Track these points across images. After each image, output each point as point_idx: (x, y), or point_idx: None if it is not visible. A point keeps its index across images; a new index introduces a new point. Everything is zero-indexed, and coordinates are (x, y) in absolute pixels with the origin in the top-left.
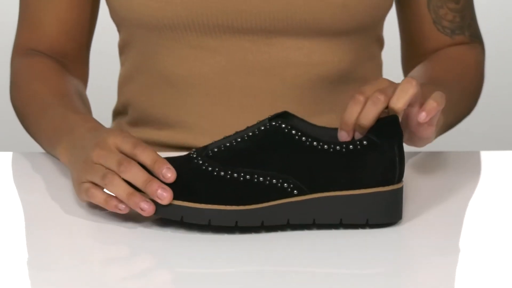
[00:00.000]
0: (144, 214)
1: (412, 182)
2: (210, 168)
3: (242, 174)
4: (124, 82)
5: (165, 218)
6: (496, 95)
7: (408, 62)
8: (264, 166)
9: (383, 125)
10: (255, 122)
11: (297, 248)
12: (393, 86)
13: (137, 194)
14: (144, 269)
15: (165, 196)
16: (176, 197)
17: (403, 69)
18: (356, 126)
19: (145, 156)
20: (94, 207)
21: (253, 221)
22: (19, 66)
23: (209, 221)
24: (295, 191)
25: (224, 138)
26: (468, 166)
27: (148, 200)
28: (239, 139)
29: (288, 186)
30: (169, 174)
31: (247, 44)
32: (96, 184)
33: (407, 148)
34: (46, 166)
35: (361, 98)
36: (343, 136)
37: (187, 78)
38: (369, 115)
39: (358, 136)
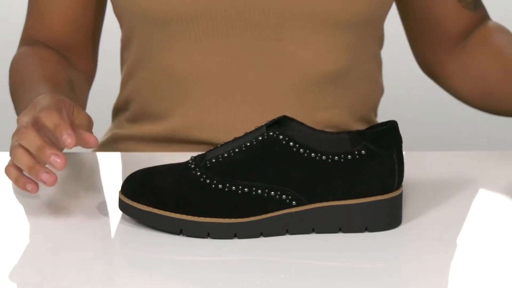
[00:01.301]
0: (46, 185)
1: (412, 182)
2: (208, 181)
3: (240, 187)
4: (127, 78)
5: (163, 230)
6: None
7: (431, 49)
8: (262, 179)
9: (382, 132)
10: (257, 117)
11: (297, 241)
12: None
13: (38, 165)
14: (141, 269)
15: (58, 162)
16: (174, 209)
17: (425, 62)
18: None
19: (48, 119)
20: (95, 205)
21: (252, 233)
22: (20, 53)
23: (208, 234)
24: (293, 202)
25: (222, 145)
26: (468, 166)
27: (49, 171)
28: (237, 150)
29: (287, 198)
30: (69, 140)
31: (254, 39)
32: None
33: (407, 149)
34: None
35: None
36: None
37: (192, 73)
38: None
39: None
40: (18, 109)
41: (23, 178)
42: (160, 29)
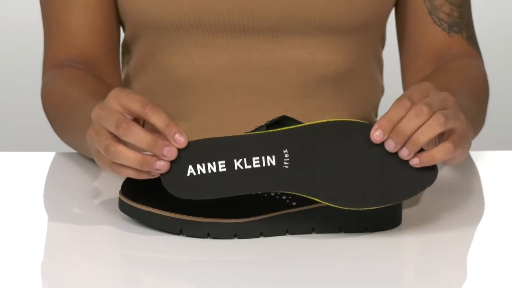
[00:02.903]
0: (166, 159)
1: None
2: None
3: None
4: (127, 81)
5: (163, 230)
6: (496, 95)
7: (407, 66)
8: None
9: None
10: (259, 120)
11: (297, 241)
12: (439, 97)
13: (148, 157)
14: (141, 269)
15: (172, 151)
16: (174, 209)
17: (402, 74)
18: (393, 134)
19: (156, 117)
20: (95, 205)
21: (252, 233)
22: (50, 76)
23: (208, 234)
24: (293, 202)
25: None
26: (468, 166)
27: (169, 143)
28: None
29: (287, 198)
30: (182, 138)
31: (253, 43)
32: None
33: None
34: (51, 167)
35: (407, 103)
36: (378, 137)
37: (192, 77)
38: (410, 126)
39: (392, 145)
40: (68, 126)
41: (143, 171)
42: (161, 34)
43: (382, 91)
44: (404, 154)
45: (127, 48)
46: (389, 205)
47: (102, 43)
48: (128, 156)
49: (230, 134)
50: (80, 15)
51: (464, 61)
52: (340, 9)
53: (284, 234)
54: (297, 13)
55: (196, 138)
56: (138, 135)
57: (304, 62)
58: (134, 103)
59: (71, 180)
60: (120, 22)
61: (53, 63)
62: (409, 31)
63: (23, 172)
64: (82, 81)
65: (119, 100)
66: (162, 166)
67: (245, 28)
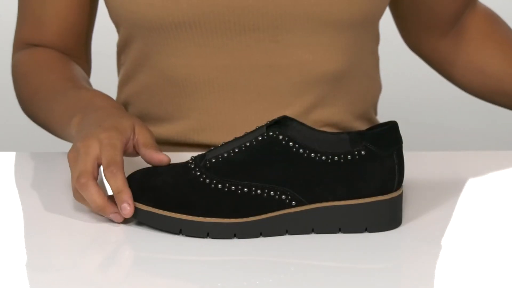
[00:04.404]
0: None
1: (412, 182)
2: (207, 181)
3: (240, 187)
4: (124, 81)
5: (163, 230)
6: None
7: (423, 35)
8: (262, 179)
9: (382, 133)
10: (258, 118)
11: (297, 241)
12: None
13: (107, 208)
14: (141, 269)
15: (118, 218)
16: (174, 209)
17: (418, 47)
18: None
19: (112, 181)
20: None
21: (251, 233)
22: (22, 58)
23: (208, 234)
24: (293, 203)
25: (222, 145)
26: (467, 166)
27: (117, 211)
28: (236, 150)
29: (286, 198)
30: (128, 209)
31: (252, 42)
32: None
33: (407, 149)
34: (47, 167)
35: None
36: None
37: (190, 76)
38: None
39: None
40: (46, 110)
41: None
42: (158, 34)
43: (380, 87)
44: None
45: (122, 49)
46: None
47: (70, 39)
48: (93, 196)
49: (229, 133)
50: (56, 11)
51: (484, 11)
52: (342, 3)
53: (284, 234)
54: (299, 9)
55: (196, 138)
56: (90, 195)
57: (304, 60)
58: (104, 159)
59: (70, 180)
60: (94, 18)
61: (24, 45)
62: (427, 4)
63: (23, 172)
64: (56, 66)
65: (100, 146)
66: (115, 218)
67: (245, 27)
